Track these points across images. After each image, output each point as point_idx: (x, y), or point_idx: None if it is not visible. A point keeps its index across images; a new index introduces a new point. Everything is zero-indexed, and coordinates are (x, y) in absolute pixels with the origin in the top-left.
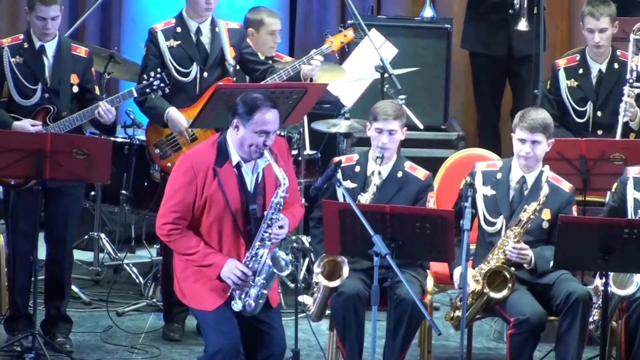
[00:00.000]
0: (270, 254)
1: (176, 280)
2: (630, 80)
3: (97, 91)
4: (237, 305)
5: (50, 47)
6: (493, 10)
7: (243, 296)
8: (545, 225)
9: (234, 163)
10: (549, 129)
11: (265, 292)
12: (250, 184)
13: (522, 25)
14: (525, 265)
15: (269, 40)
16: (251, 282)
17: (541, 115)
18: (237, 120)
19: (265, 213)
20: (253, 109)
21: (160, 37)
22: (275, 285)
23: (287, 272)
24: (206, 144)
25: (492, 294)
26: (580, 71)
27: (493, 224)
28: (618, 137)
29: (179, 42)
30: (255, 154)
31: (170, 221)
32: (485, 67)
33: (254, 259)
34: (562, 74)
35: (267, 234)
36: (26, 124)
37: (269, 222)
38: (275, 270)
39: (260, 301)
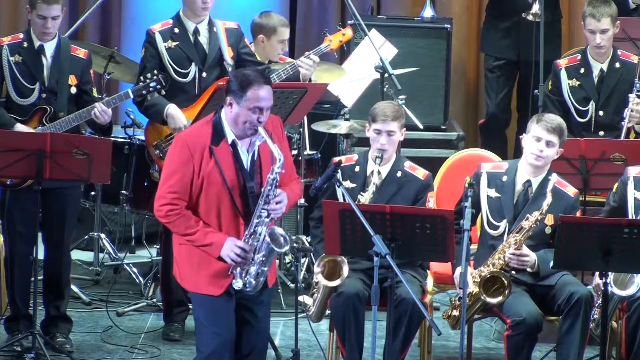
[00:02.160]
0: (268, 230)
1: (175, 263)
2: (638, 85)
3: (95, 93)
4: (237, 284)
5: (50, 47)
6: (506, 13)
7: (244, 275)
8: (548, 230)
9: (230, 141)
10: (564, 135)
11: (265, 269)
12: (246, 163)
13: (535, 8)
14: (527, 269)
15: (279, 48)
16: (251, 260)
17: (559, 120)
18: (230, 97)
19: (262, 190)
20: (246, 86)
21: (158, 38)
22: (273, 264)
23: (286, 248)
24: (200, 124)
25: (488, 299)
26: (582, 71)
27: (496, 227)
28: None
29: (177, 42)
30: (249, 130)
31: (168, 202)
32: (496, 70)
33: (252, 236)
34: (563, 74)
35: (264, 211)
36: (26, 129)
37: (266, 199)
38: (274, 247)
39: (261, 279)
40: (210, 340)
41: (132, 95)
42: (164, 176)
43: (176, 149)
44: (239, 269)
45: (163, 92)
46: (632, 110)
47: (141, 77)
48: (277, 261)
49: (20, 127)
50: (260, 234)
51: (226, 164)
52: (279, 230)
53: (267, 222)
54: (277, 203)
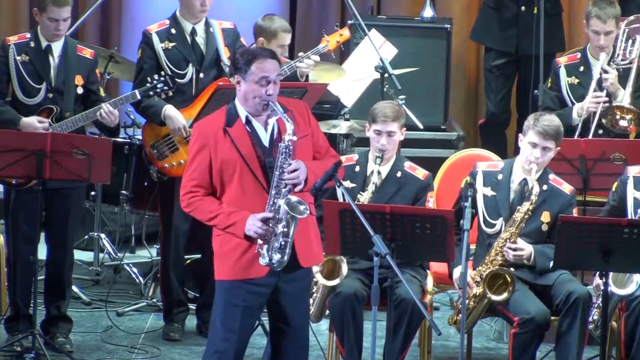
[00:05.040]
0: (285, 201)
1: (215, 258)
2: (616, 59)
3: (102, 92)
4: (264, 260)
5: (57, 47)
6: (505, 5)
7: (269, 250)
8: (544, 227)
9: (244, 120)
10: (560, 137)
11: (288, 240)
12: (265, 140)
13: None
14: (524, 261)
15: (278, 52)
16: (274, 233)
17: (556, 122)
18: (238, 75)
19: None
20: (250, 60)
21: (155, 39)
22: (306, 242)
23: (306, 213)
24: (216, 112)
25: (494, 297)
26: (581, 69)
27: (492, 226)
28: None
29: (174, 43)
30: (260, 105)
31: (189, 190)
32: (496, 70)
33: (273, 208)
34: (562, 71)
35: (281, 182)
36: (34, 121)
37: (280, 169)
38: (294, 214)
39: (287, 251)
40: (218, 343)
41: (139, 97)
42: (186, 166)
43: (192, 137)
44: (265, 246)
45: (170, 94)
46: (606, 72)
47: (148, 78)
48: None
49: (26, 121)
50: (279, 206)
51: (242, 142)
52: (294, 198)
53: (285, 192)
54: (291, 172)
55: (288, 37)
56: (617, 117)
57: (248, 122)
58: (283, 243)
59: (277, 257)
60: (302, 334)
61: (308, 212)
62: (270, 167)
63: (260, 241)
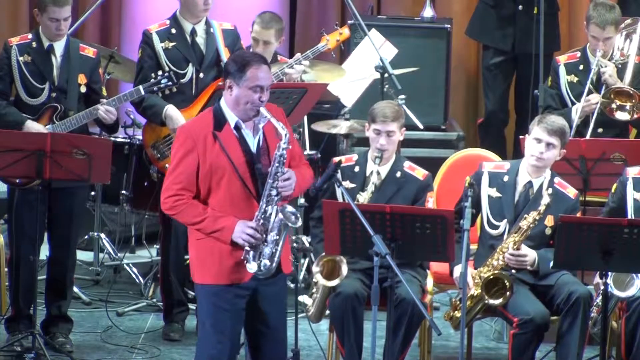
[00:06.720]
0: (280, 208)
1: (192, 261)
2: (614, 56)
3: (105, 92)
4: (252, 267)
5: (59, 47)
6: (502, 4)
7: (257, 257)
8: (548, 231)
9: (233, 125)
10: (566, 137)
11: (278, 248)
12: (253, 146)
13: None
14: (528, 267)
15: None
16: (263, 241)
17: (561, 121)
18: (229, 80)
19: (269, 169)
20: (244, 66)
21: (155, 39)
22: (286, 251)
23: (298, 223)
24: (202, 114)
25: (491, 301)
26: (581, 67)
27: (496, 227)
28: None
29: (174, 43)
30: (251, 111)
31: (174, 193)
32: (494, 68)
33: (263, 216)
34: (562, 69)
35: (274, 189)
36: (40, 127)
37: (275, 177)
38: (287, 223)
39: (275, 259)
40: (211, 346)
41: (143, 92)
42: (169, 168)
43: (179, 140)
44: (252, 252)
45: (174, 89)
46: (600, 63)
47: (152, 74)
48: None
49: (30, 124)
50: (270, 214)
51: (232, 147)
52: (289, 208)
53: (277, 200)
54: (285, 180)
55: (267, 33)
56: (615, 105)
57: (237, 127)
58: (274, 251)
59: (266, 264)
60: (280, 334)
61: (300, 222)
62: (260, 174)
63: (247, 247)
